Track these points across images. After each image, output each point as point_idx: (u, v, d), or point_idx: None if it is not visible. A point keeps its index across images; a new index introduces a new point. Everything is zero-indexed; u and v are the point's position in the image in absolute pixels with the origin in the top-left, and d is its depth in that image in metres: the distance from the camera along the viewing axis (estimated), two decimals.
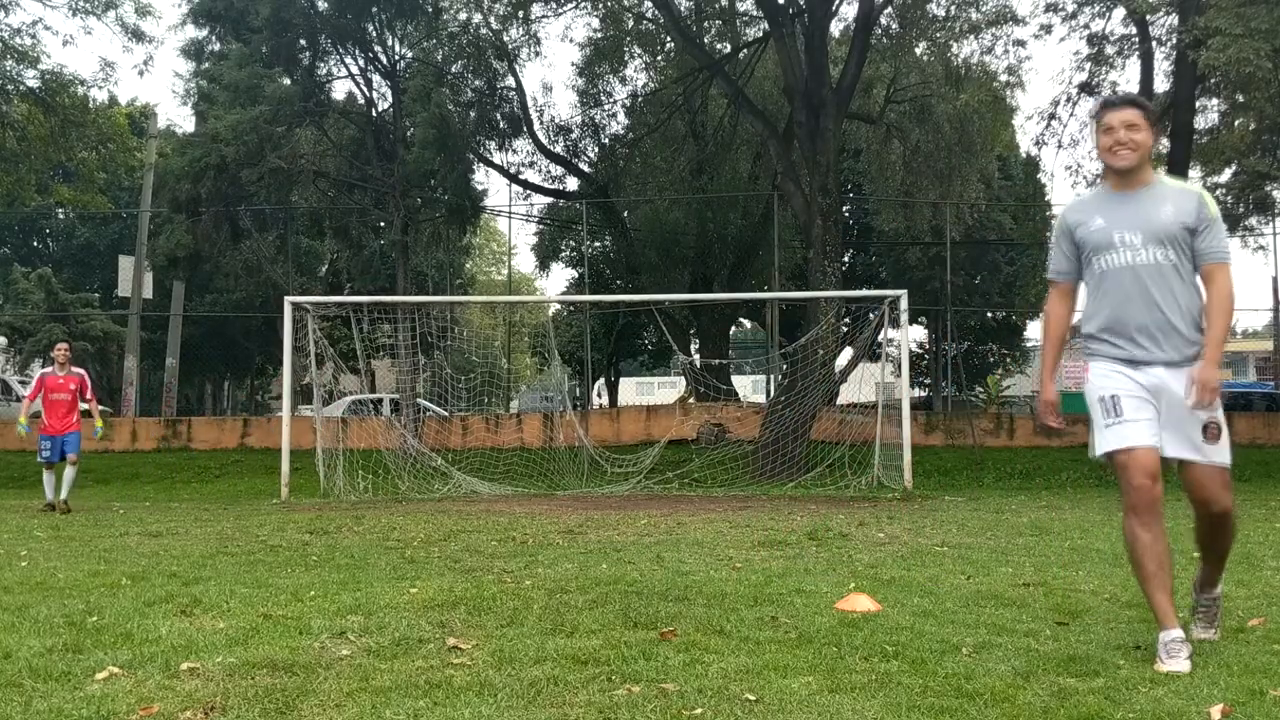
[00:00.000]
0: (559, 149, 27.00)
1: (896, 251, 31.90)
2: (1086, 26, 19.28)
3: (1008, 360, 40.99)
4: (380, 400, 24.95)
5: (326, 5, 20.62)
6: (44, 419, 12.05)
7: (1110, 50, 19.43)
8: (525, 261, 57.75)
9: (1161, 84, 19.24)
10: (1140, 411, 3.74)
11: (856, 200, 32.92)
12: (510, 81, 23.68)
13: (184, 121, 36.47)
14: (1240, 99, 18.95)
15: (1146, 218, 3.82)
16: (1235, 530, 3.96)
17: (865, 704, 3.00)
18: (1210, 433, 3.75)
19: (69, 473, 11.91)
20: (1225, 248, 3.84)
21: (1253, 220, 25.09)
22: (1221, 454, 3.78)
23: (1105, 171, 3.96)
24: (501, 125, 23.53)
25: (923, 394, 35.07)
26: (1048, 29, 20.02)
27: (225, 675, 3.34)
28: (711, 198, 26.31)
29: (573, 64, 48.06)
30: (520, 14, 22.69)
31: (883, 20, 20.83)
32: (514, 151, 25.51)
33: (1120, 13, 18.09)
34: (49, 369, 12.40)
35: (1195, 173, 22.56)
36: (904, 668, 3.45)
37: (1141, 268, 3.81)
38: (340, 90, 24.38)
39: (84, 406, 12.22)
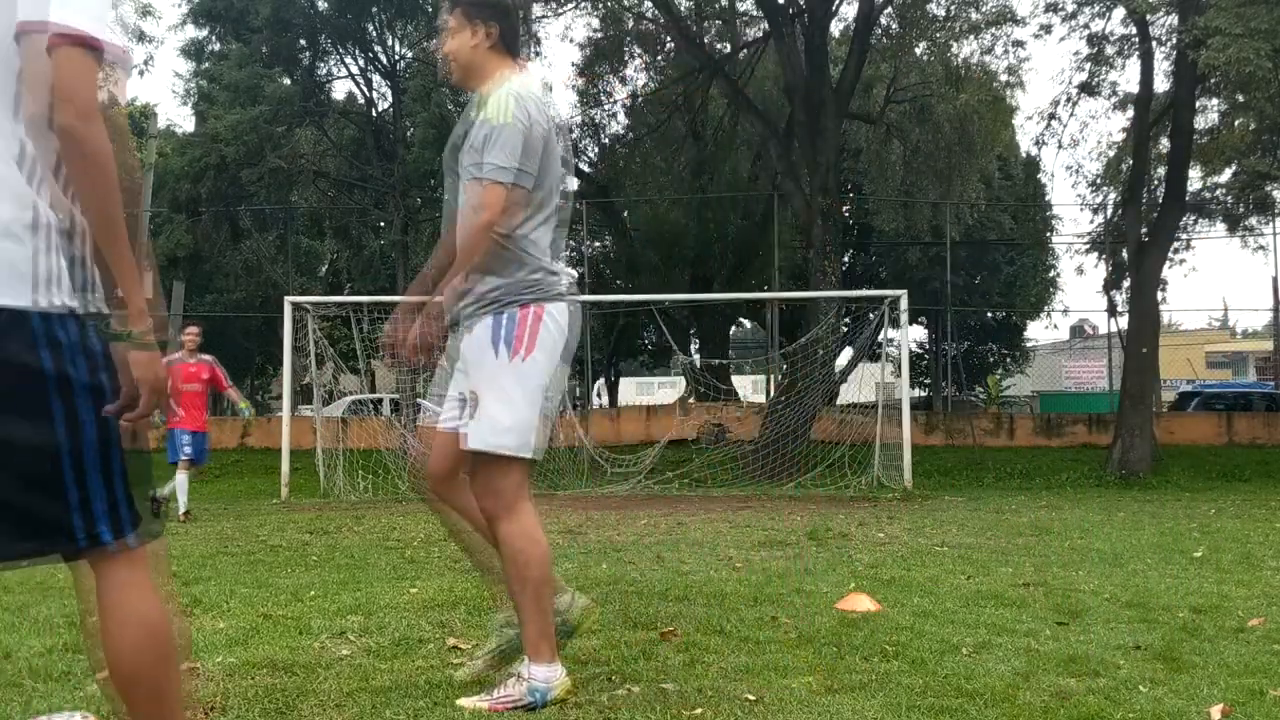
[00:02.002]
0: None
1: (896, 251, 31.91)
2: (1086, 26, 19.26)
3: (1008, 360, 40.98)
4: (380, 400, 24.94)
5: (326, 5, 20.65)
6: (176, 410, 10.59)
7: (1110, 50, 19.41)
8: None
9: (1161, 84, 19.24)
10: (441, 385, 3.20)
11: (856, 200, 32.92)
12: None
13: (184, 121, 36.35)
14: (1240, 99, 18.91)
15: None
16: (526, 566, 2.94)
17: (865, 704, 3.00)
18: (468, 404, 3.02)
19: (184, 477, 10.64)
20: (491, 161, 2.93)
21: (1253, 220, 25.02)
22: (466, 427, 2.98)
23: None
24: None
25: (923, 394, 35.05)
26: (1048, 29, 20.02)
27: (225, 675, 3.34)
28: (711, 198, 26.31)
29: (573, 64, 47.99)
30: (520, 14, 22.67)
31: (883, 20, 20.82)
32: None
33: (1120, 13, 18.05)
34: (178, 354, 10.92)
35: (1195, 172, 22.54)
36: (904, 668, 3.45)
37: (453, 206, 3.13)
38: (340, 90, 24.43)
39: (232, 396, 11.50)
